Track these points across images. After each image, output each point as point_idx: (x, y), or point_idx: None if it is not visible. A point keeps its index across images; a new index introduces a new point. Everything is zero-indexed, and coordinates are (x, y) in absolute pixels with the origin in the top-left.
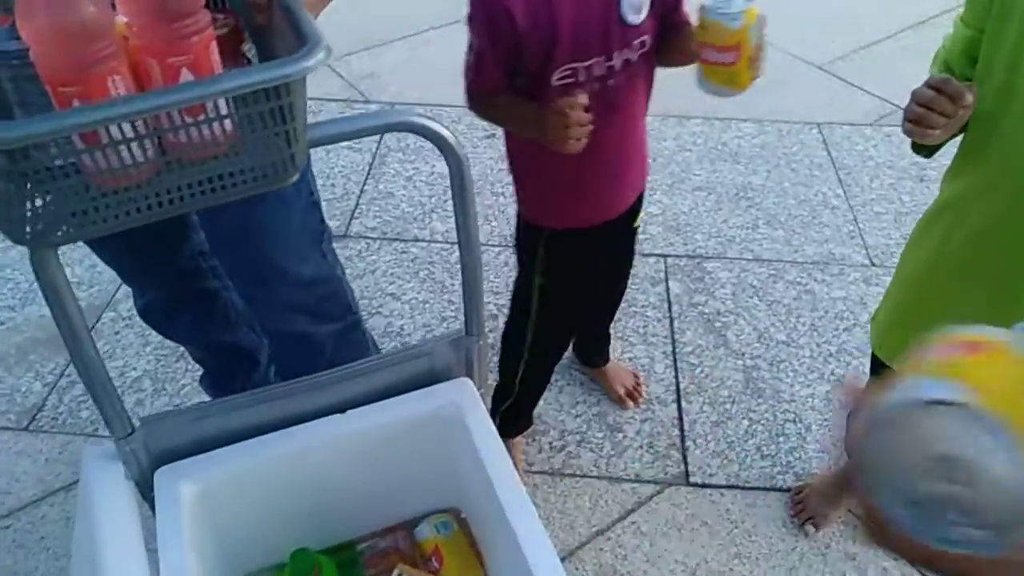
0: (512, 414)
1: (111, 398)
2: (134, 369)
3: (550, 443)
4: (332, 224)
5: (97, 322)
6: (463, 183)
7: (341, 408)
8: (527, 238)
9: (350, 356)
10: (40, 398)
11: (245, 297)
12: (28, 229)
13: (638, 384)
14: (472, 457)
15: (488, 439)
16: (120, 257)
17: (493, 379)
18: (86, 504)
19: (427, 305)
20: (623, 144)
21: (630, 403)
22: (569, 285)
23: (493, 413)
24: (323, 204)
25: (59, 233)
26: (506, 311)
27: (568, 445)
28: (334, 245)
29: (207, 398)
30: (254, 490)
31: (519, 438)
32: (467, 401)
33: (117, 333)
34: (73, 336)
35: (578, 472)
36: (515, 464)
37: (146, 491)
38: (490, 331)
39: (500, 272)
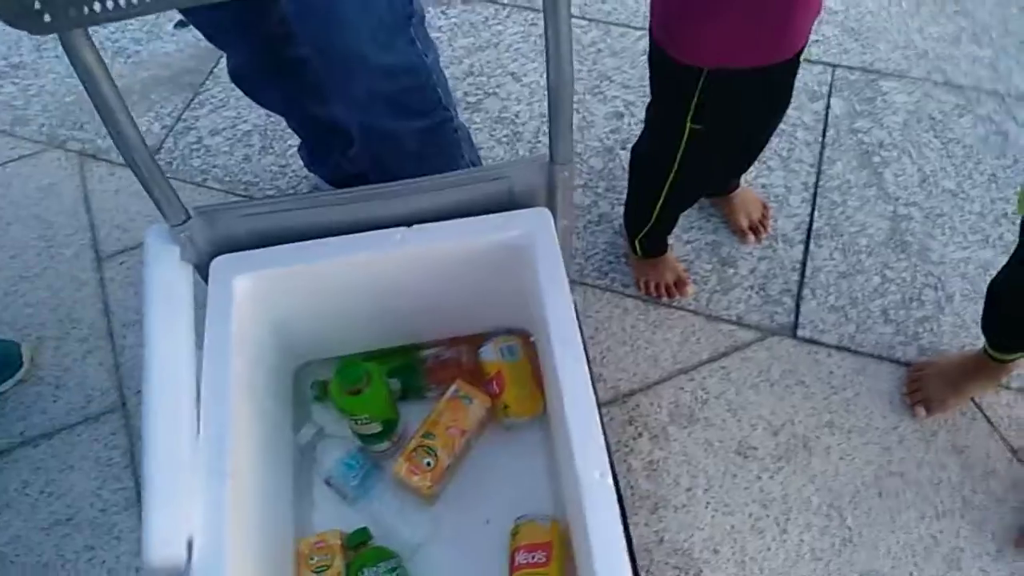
0: (648, 242)
1: (161, 185)
2: (244, 122)
3: None
4: None
5: (215, 66)
6: None
7: (410, 220)
8: (675, 77)
9: (437, 157)
10: (158, 140)
11: (326, 83)
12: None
13: (765, 216)
14: (536, 291)
15: (555, 277)
16: (201, 14)
17: (592, 199)
18: (145, 279)
19: None
20: None
21: (751, 237)
22: (727, 132)
23: (630, 238)
24: None
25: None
26: (634, 111)
27: None
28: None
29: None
30: (312, 288)
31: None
32: (540, 234)
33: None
34: (113, 122)
35: (674, 303)
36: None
37: (206, 276)
38: (613, 132)
39: (636, 61)
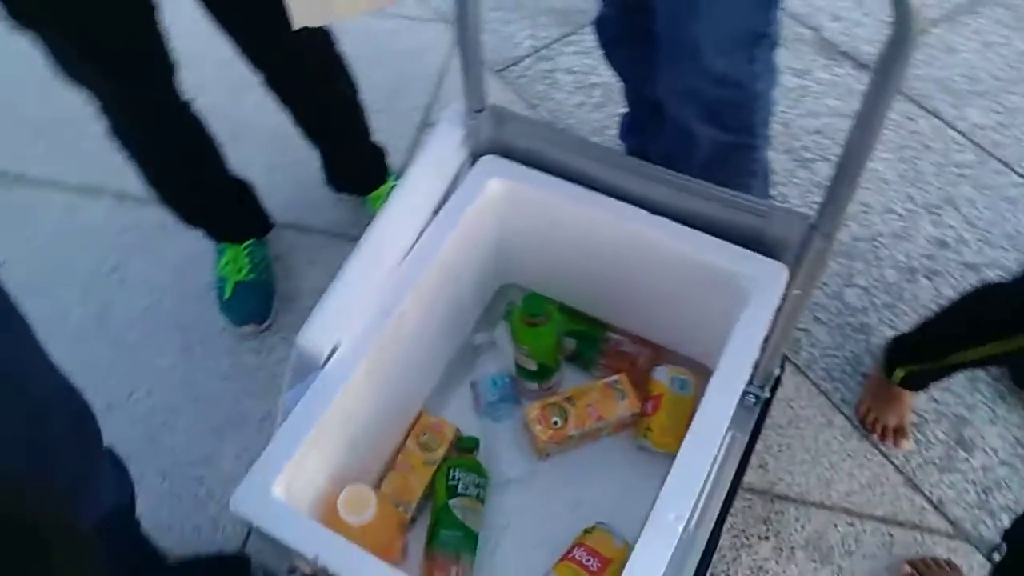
0: (915, 378)
1: (477, 71)
2: (598, 75)
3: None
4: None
5: None
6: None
7: (660, 209)
8: None
9: (725, 176)
10: (522, 54)
11: (659, 63)
12: None
13: None
14: (730, 335)
15: (753, 331)
16: None
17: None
18: (424, 146)
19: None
20: None
21: None
22: None
23: (893, 362)
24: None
25: None
26: (962, 250)
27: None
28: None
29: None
30: (551, 222)
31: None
32: (766, 288)
33: None
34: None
35: (883, 447)
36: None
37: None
38: (927, 258)
39: (995, 206)
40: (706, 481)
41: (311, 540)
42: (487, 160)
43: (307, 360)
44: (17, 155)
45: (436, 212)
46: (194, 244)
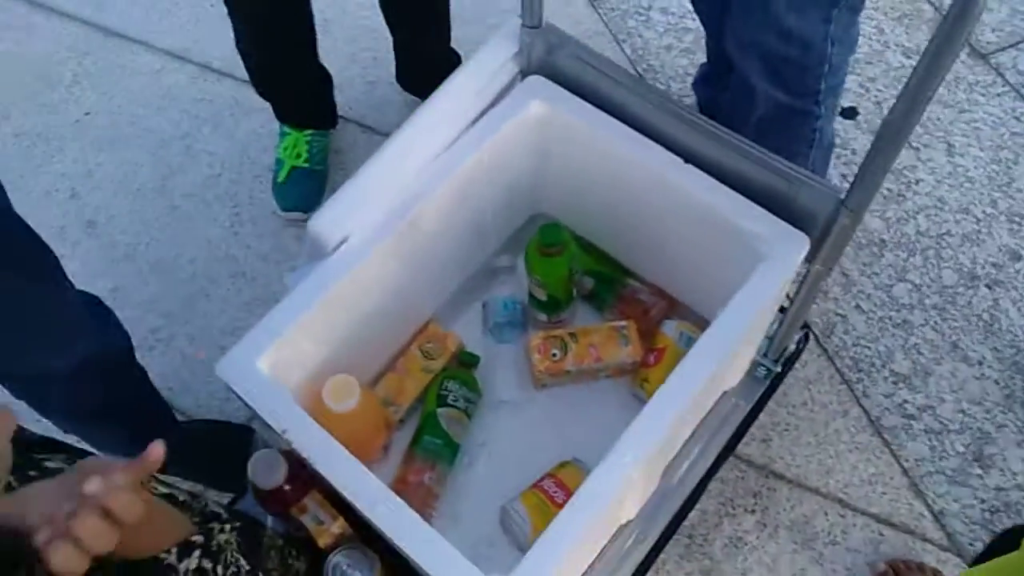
0: None
1: None
2: (693, 21)
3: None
4: None
5: None
6: None
7: (696, 159)
8: None
9: (779, 140)
10: None
11: (733, 12)
12: None
13: None
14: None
15: (759, 296)
16: None
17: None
18: (475, 55)
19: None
20: None
21: None
22: None
23: None
24: None
25: None
26: None
27: None
28: (860, 22)
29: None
30: (588, 154)
31: None
32: (784, 256)
33: None
34: None
35: (895, 444)
36: None
37: None
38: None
39: None
40: (691, 439)
41: (283, 415)
42: (533, 80)
43: (317, 246)
44: (120, 12)
45: (473, 124)
46: (262, 126)
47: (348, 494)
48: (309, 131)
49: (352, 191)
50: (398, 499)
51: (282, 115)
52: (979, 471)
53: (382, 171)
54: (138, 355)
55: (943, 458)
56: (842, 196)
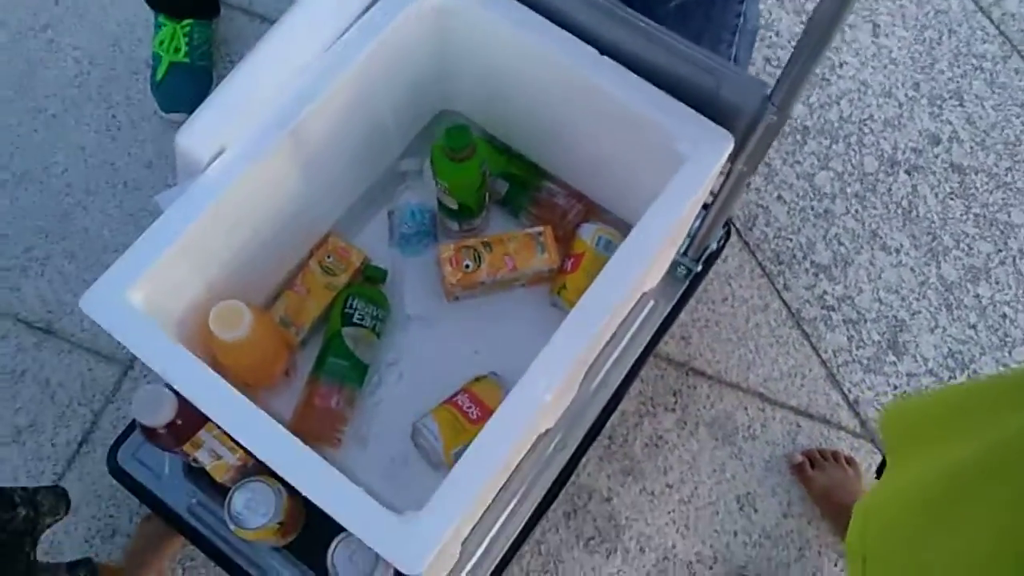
0: None
1: None
2: None
3: None
4: None
5: None
6: None
7: (611, 51)
8: None
9: (700, 24)
10: None
11: None
12: None
13: None
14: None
15: (682, 195)
16: None
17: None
18: None
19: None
20: None
21: None
22: None
23: None
24: None
25: None
26: None
27: None
28: None
29: None
30: (499, 51)
31: None
32: (706, 154)
33: None
34: None
35: (821, 346)
36: None
37: None
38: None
39: None
40: (610, 342)
41: (155, 349)
42: None
43: (188, 162)
44: None
45: (365, 12)
46: (135, 13)
47: (234, 433)
48: (188, 21)
49: (225, 96)
50: (289, 436)
51: (154, 1)
52: (893, 358)
53: (259, 71)
54: (12, 278)
55: (859, 347)
56: (768, 92)
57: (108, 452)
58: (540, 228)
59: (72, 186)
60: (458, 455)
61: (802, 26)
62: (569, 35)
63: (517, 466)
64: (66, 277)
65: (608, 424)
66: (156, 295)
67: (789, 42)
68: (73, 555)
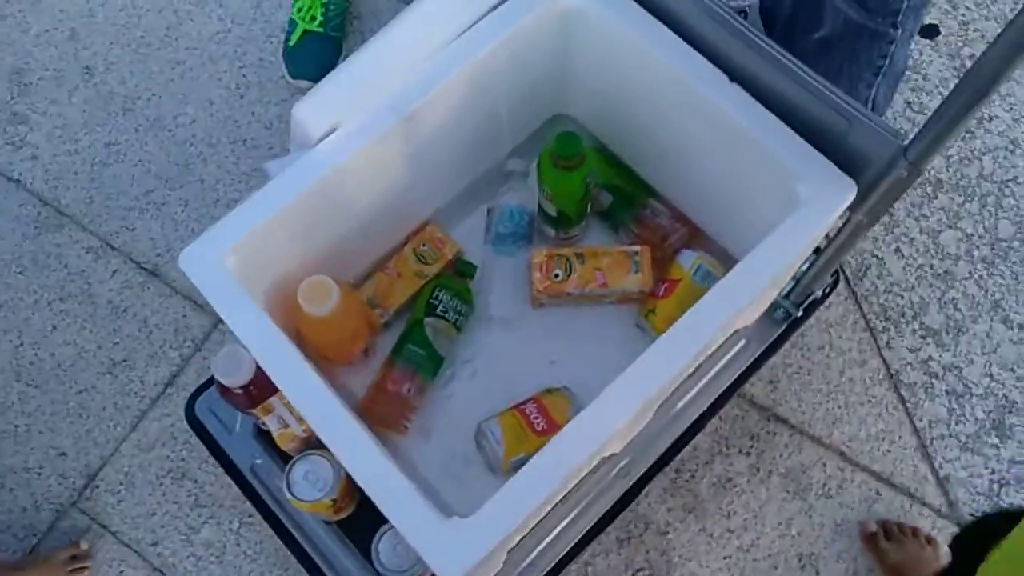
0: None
1: None
2: None
3: None
4: None
5: None
6: None
7: (743, 79)
8: None
9: (842, 58)
10: None
11: None
12: None
13: None
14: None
15: (796, 242)
16: None
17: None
18: None
19: None
20: None
21: None
22: None
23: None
24: None
25: None
26: None
27: None
28: None
29: None
30: (629, 62)
31: None
32: (825, 202)
33: None
34: None
35: (916, 412)
36: None
37: None
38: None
39: None
40: (693, 375)
41: (239, 313)
42: None
43: (301, 134)
44: None
45: (494, 10)
46: None
47: (299, 407)
48: None
49: (347, 74)
50: (352, 421)
51: None
52: (996, 440)
53: (384, 53)
54: (131, 218)
55: (960, 422)
56: (904, 143)
57: (188, 400)
58: (638, 248)
59: (196, 137)
60: (516, 463)
61: (954, 72)
62: (700, 56)
63: (576, 484)
64: (177, 224)
65: (677, 457)
66: (251, 260)
67: (936, 87)
68: (144, 490)
